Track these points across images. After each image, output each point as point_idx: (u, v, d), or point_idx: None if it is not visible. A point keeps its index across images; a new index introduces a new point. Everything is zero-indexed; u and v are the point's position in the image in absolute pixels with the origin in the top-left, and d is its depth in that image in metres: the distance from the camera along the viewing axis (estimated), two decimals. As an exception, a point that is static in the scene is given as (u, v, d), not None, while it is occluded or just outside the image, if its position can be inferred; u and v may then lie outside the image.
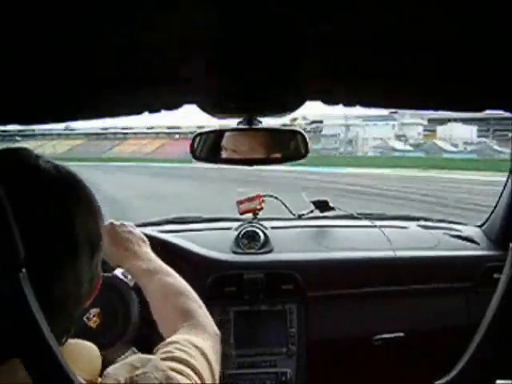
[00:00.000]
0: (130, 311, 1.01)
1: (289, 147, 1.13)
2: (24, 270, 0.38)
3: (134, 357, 0.58)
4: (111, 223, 1.03)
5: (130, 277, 1.06)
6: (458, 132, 34.76)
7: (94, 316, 0.97)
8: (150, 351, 1.07)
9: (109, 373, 0.52)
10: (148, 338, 1.10)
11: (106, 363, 0.58)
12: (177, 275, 0.89)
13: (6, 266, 0.37)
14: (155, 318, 0.83)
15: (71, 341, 0.54)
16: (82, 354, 0.54)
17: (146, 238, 1.03)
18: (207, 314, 0.81)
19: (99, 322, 0.96)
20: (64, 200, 0.50)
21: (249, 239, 1.61)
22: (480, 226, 1.74)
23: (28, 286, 0.38)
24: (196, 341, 0.67)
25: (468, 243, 1.65)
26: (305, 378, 1.47)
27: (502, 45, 0.59)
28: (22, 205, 0.43)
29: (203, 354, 0.65)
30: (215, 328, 0.78)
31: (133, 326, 1.01)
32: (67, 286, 0.48)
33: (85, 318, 0.96)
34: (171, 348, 0.63)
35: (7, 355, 0.43)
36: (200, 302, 0.83)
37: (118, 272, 1.07)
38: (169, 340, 0.67)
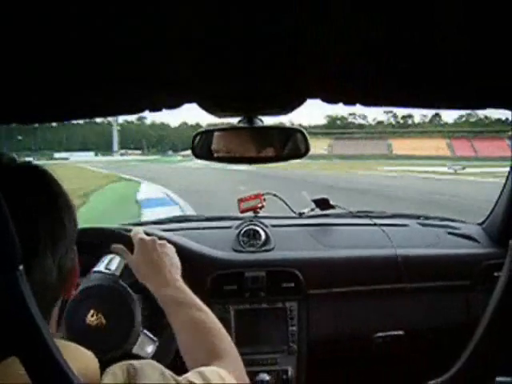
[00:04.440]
0: (133, 310, 1.00)
1: (289, 145, 1.14)
2: (21, 268, 0.37)
3: (133, 360, 0.58)
4: (141, 239, 1.01)
5: (113, 267, 1.01)
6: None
7: (94, 318, 0.96)
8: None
9: (107, 371, 0.53)
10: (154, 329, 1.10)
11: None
12: (207, 310, 0.86)
13: (3, 264, 0.37)
14: (181, 350, 0.81)
15: (65, 342, 0.53)
16: (76, 355, 0.53)
17: (179, 264, 1.01)
18: (237, 353, 0.79)
19: (104, 325, 0.96)
20: (24, 195, 0.50)
21: (249, 237, 1.61)
22: (480, 224, 1.75)
23: (25, 284, 0.37)
24: (224, 375, 0.66)
25: (468, 241, 1.65)
26: (305, 375, 1.48)
27: (503, 44, 0.59)
28: None
29: None
30: (243, 367, 0.77)
31: (137, 324, 1.01)
32: (33, 279, 0.47)
33: (87, 321, 0.96)
34: (194, 375, 0.63)
35: (5, 353, 0.43)
36: (229, 339, 0.81)
37: (101, 267, 1.02)
38: (195, 370, 0.65)
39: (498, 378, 0.92)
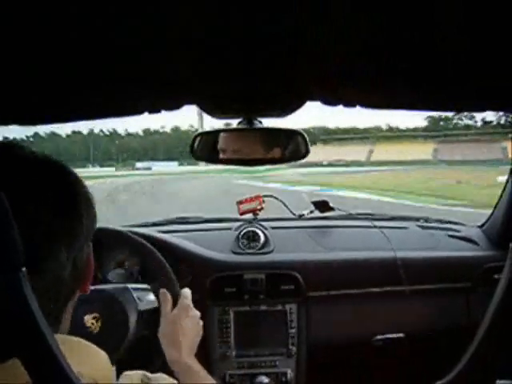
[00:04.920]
0: (128, 327, 0.99)
1: (289, 147, 1.14)
2: (24, 269, 0.37)
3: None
4: (189, 305, 1.05)
5: (145, 301, 1.04)
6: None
7: (93, 321, 0.96)
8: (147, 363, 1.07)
9: (126, 374, 0.54)
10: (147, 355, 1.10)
11: None
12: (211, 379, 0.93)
13: (6, 266, 0.37)
14: None
15: (73, 338, 0.54)
16: (84, 352, 0.53)
17: (199, 339, 1.05)
18: None
19: (98, 331, 0.96)
20: (38, 189, 0.50)
21: (249, 239, 1.61)
22: (480, 227, 1.75)
23: (28, 286, 0.37)
24: None
25: (468, 244, 1.65)
26: (304, 378, 1.47)
27: (503, 46, 0.59)
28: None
29: None
30: None
31: (128, 343, 1.00)
32: (47, 275, 0.48)
33: (85, 321, 0.96)
34: None
35: (7, 355, 0.43)
36: None
37: (136, 292, 1.04)
38: None
39: (499, 381, 0.91)
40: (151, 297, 1.07)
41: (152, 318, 1.05)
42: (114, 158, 68.57)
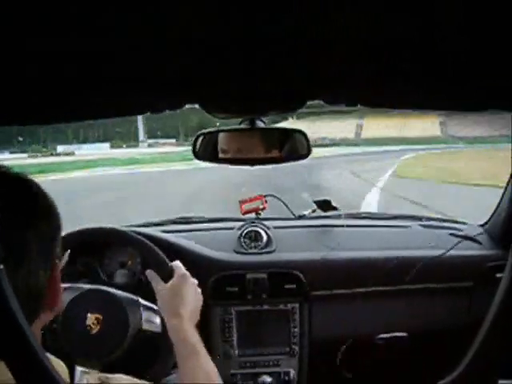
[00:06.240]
0: (129, 322, 1.00)
1: (290, 147, 1.14)
2: (2, 266, 0.37)
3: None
4: (184, 275, 1.02)
5: (149, 322, 1.03)
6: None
7: (93, 321, 0.97)
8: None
9: (81, 371, 0.55)
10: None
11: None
12: (209, 358, 0.88)
13: None
14: None
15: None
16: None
17: (199, 308, 1.02)
18: None
19: (98, 329, 0.96)
20: None
21: (251, 239, 1.61)
22: (482, 225, 1.74)
23: (6, 284, 0.37)
24: None
25: (470, 242, 1.65)
26: (307, 377, 1.48)
27: (503, 45, 0.59)
28: None
29: None
30: None
31: (130, 337, 1.00)
32: None
33: (87, 322, 0.97)
34: None
35: None
36: None
37: (144, 310, 1.03)
38: None
39: (501, 381, 0.91)
40: (157, 320, 1.05)
41: (148, 340, 1.04)
42: (39, 139, 57.45)
